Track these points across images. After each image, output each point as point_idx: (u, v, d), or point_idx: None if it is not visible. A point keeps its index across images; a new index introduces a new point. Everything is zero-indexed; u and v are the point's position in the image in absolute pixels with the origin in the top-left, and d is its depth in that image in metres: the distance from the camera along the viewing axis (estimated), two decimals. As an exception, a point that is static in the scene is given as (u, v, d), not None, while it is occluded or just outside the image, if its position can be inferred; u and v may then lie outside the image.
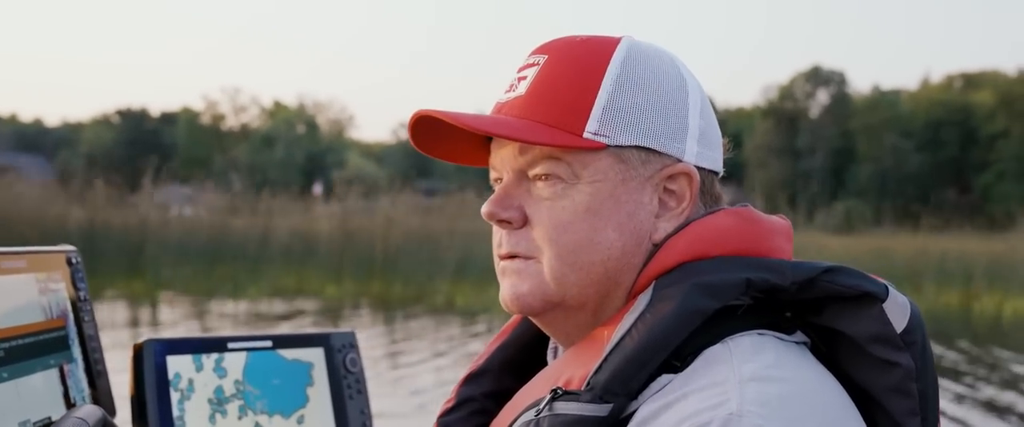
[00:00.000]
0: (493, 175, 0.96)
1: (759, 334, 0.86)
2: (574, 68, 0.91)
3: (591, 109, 0.89)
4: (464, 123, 0.89)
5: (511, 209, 0.92)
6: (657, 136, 0.91)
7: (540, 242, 0.91)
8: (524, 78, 0.93)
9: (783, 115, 44.48)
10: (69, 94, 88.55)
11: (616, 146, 0.90)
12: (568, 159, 0.90)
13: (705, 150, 0.94)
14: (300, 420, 1.17)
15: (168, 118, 51.75)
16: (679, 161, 0.92)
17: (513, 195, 0.92)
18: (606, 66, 0.91)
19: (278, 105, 53.52)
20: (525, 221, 0.92)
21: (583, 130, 0.89)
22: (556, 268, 0.90)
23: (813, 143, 43.60)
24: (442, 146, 0.98)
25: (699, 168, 0.93)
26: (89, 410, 0.92)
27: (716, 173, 0.96)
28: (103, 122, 52.29)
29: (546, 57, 0.93)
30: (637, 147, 0.90)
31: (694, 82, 0.95)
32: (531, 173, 0.92)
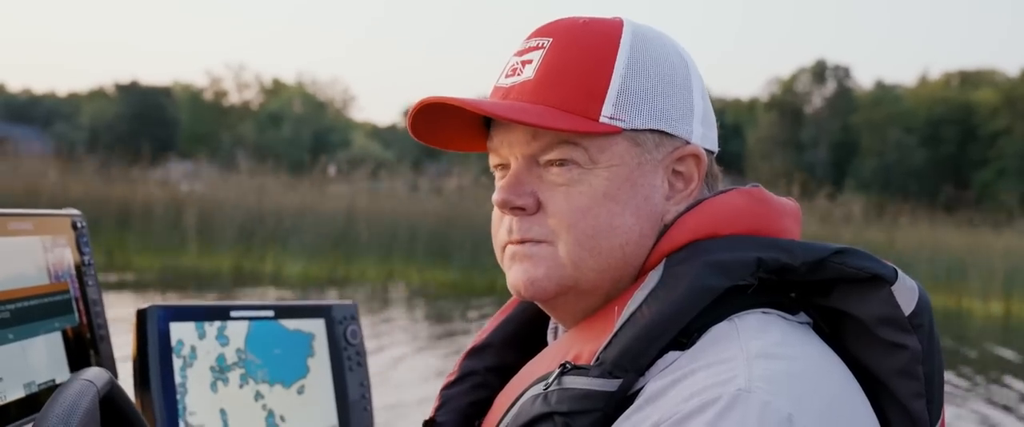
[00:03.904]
0: (494, 160, 0.95)
1: (764, 312, 0.86)
2: (584, 52, 0.90)
3: (606, 93, 0.89)
4: (481, 109, 0.88)
5: (525, 196, 0.91)
6: (668, 118, 0.91)
7: (556, 228, 0.90)
8: (529, 62, 0.92)
9: (787, 108, 44.45)
10: (55, 67, 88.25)
11: (632, 130, 0.89)
12: (584, 144, 0.89)
13: (707, 131, 0.94)
14: (300, 390, 1.17)
15: (166, 93, 51.45)
16: (688, 143, 0.92)
17: (525, 181, 0.91)
18: (617, 49, 0.90)
19: (277, 82, 53.40)
20: (538, 207, 0.91)
21: (599, 114, 0.89)
22: (574, 253, 0.89)
23: (816, 136, 43.61)
24: (439, 133, 0.97)
25: (705, 148, 0.93)
26: (96, 372, 0.92)
27: (713, 152, 0.96)
28: (101, 95, 52.01)
29: (551, 40, 0.92)
30: (651, 130, 0.90)
31: (693, 63, 0.95)
32: (543, 159, 0.91)
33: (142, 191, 14.88)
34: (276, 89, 53.03)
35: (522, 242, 0.92)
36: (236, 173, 16.59)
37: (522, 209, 0.91)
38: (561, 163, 0.90)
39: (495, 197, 0.92)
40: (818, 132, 43.81)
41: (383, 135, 55.48)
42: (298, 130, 47.12)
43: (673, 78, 0.92)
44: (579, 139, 0.89)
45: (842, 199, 17.35)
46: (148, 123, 44.37)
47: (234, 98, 52.28)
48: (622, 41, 0.91)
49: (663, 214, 0.91)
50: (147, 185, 15.36)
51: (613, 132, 0.89)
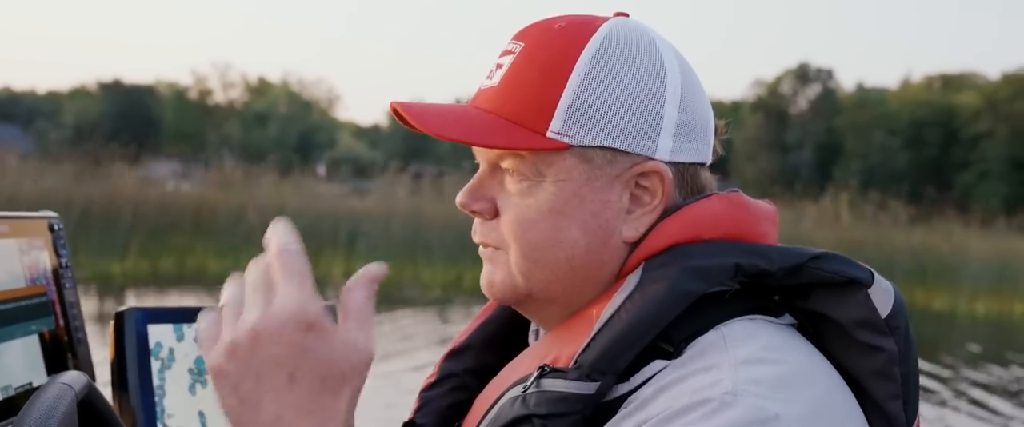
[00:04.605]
0: (477, 159, 0.96)
1: (750, 319, 0.86)
2: (544, 60, 0.89)
3: (556, 107, 0.87)
4: (423, 126, 0.89)
5: (482, 200, 0.92)
6: (625, 135, 0.88)
7: (507, 237, 0.91)
8: (500, 66, 0.91)
9: (772, 110, 44.68)
10: (34, 62, 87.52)
11: (580, 146, 0.88)
12: (532, 158, 0.89)
13: (684, 143, 0.90)
14: None
15: (150, 91, 51.05)
16: (649, 159, 0.89)
17: (486, 185, 0.92)
18: (576, 59, 0.88)
19: (263, 81, 53.20)
20: (496, 213, 0.92)
21: (547, 129, 0.87)
22: (520, 264, 0.90)
23: (801, 138, 43.86)
24: (431, 125, 0.97)
25: (677, 163, 0.90)
26: (74, 376, 0.92)
27: (701, 164, 0.93)
28: (83, 93, 51.57)
29: (523, 45, 0.91)
30: (602, 147, 0.88)
31: (677, 70, 0.91)
32: (502, 165, 0.91)
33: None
34: (261, 88, 52.85)
35: (484, 245, 0.94)
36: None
37: (480, 213, 0.92)
38: (514, 172, 0.90)
39: (457, 198, 0.93)
40: (803, 134, 44.06)
41: (367, 134, 55.39)
42: (284, 129, 47.00)
43: (638, 91, 0.89)
44: (526, 153, 0.89)
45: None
46: (132, 121, 44.08)
47: (219, 97, 52.06)
48: (585, 49, 0.88)
49: (617, 229, 0.89)
50: (143, 184, 15.18)
51: (560, 148, 0.88)
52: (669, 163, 0.90)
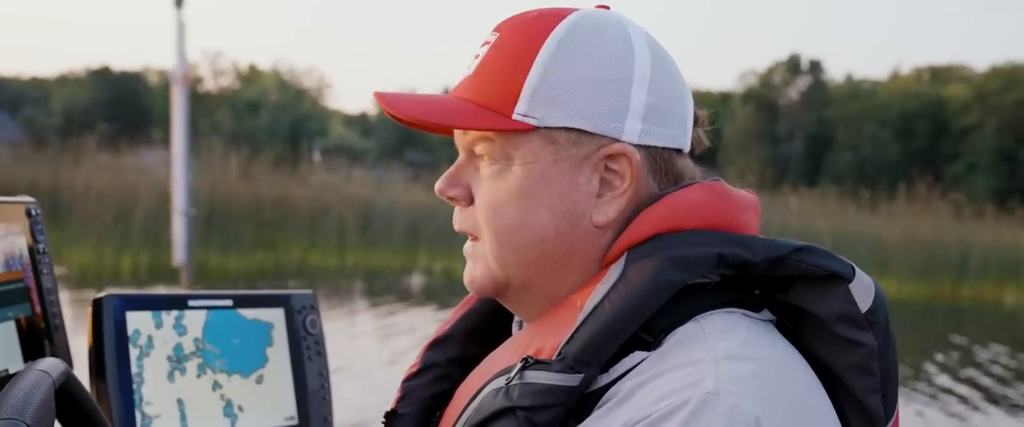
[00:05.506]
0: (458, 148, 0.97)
1: (728, 312, 0.86)
2: (514, 47, 0.90)
3: (521, 90, 0.88)
4: (397, 110, 0.91)
5: (458, 187, 0.93)
6: (589, 116, 0.88)
7: (480, 223, 0.92)
8: (478, 56, 0.93)
9: (763, 101, 44.79)
10: (24, 49, 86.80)
11: (545, 127, 0.88)
12: (500, 141, 0.90)
13: (654, 127, 0.90)
14: (259, 380, 1.16)
15: (139, 78, 50.76)
16: (616, 141, 0.89)
17: (462, 172, 0.94)
18: (542, 43, 0.89)
19: (254, 70, 52.95)
20: (472, 199, 0.93)
21: (513, 111, 0.88)
22: (494, 250, 0.91)
23: (792, 130, 43.98)
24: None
25: (648, 146, 0.90)
26: (51, 363, 0.91)
27: (677, 150, 0.93)
28: (71, 79, 51.23)
29: (498, 35, 0.92)
30: (567, 128, 0.89)
31: (647, 55, 0.90)
32: (476, 151, 0.92)
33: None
34: (252, 76, 52.62)
35: (470, 237, 0.95)
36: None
37: (456, 200, 0.94)
38: (485, 157, 0.91)
39: (435, 186, 0.95)
40: (793, 125, 44.17)
41: (356, 123, 55.30)
42: (276, 118, 46.82)
43: (601, 73, 0.89)
44: (495, 136, 0.90)
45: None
46: (121, 108, 43.83)
47: (209, 85, 51.78)
48: (552, 34, 0.89)
49: (586, 213, 0.90)
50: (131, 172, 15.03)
51: (526, 129, 0.88)
52: (639, 146, 0.89)
